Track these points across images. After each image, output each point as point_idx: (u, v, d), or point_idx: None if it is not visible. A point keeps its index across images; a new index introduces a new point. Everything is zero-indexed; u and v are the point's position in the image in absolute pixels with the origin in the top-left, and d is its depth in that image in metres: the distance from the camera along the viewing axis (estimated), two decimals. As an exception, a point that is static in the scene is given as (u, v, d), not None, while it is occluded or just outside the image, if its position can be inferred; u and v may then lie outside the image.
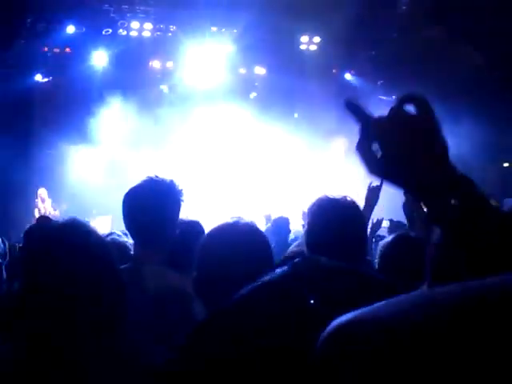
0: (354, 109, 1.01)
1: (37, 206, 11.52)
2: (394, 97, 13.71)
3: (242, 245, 1.67)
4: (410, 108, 1.00)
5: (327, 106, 11.69)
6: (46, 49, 12.09)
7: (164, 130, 12.64)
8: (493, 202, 0.96)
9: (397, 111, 0.99)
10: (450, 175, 0.95)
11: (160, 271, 2.37)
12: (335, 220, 2.16)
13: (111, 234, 5.55)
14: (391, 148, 0.97)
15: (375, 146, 0.99)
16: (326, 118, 11.87)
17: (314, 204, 2.28)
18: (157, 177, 2.50)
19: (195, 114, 12.86)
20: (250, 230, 1.78)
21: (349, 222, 2.16)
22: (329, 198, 2.28)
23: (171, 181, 2.50)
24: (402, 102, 1.00)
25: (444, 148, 0.97)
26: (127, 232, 2.74)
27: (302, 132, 13.73)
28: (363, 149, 1.00)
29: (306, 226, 2.30)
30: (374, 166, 0.99)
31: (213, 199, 12.40)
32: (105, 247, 1.77)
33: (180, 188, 2.51)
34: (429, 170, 0.95)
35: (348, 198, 2.27)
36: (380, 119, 0.99)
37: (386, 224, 7.00)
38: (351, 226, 2.18)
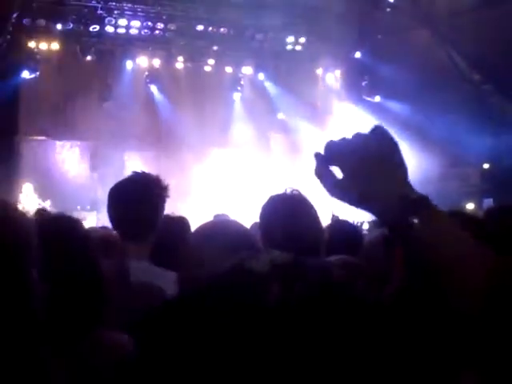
0: (325, 158, 1.03)
1: (20, 202, 11.45)
2: (377, 97, 13.85)
3: (231, 244, 1.63)
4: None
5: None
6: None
7: (150, 126, 12.64)
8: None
9: (356, 137, 1.02)
10: (410, 197, 0.99)
11: (141, 266, 2.35)
12: (286, 214, 2.18)
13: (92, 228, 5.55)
14: (351, 172, 1.00)
15: (334, 170, 1.02)
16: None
17: (264, 204, 2.29)
18: (142, 172, 2.52)
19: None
20: (240, 229, 1.76)
21: (299, 214, 2.18)
22: (278, 194, 2.29)
23: (156, 177, 2.51)
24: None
25: (404, 171, 1.01)
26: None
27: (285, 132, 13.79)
28: (322, 173, 1.02)
29: (260, 225, 2.30)
30: (334, 190, 1.02)
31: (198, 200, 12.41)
32: (87, 242, 1.79)
33: (165, 184, 2.51)
34: (389, 192, 0.99)
35: (295, 192, 2.28)
36: (340, 143, 1.02)
37: (366, 226, 7.07)
38: (302, 218, 2.19)
